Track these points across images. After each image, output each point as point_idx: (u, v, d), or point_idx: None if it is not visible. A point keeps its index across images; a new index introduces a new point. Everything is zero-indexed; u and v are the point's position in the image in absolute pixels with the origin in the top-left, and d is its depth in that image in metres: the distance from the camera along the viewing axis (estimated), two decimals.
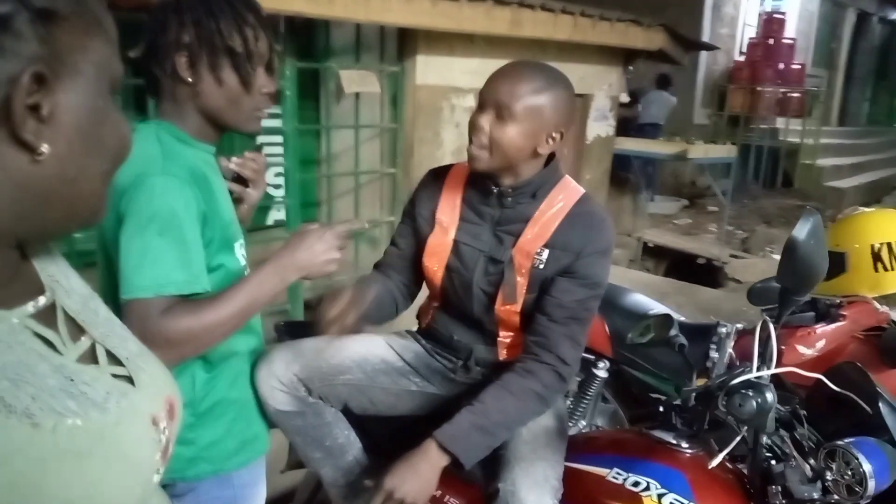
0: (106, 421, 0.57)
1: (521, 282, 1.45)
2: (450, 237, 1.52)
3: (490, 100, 1.37)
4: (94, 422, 0.55)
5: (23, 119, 0.51)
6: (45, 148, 0.53)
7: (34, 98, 0.51)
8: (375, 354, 1.61)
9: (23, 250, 0.60)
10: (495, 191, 1.46)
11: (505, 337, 1.54)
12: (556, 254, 1.42)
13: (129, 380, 0.63)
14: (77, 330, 0.61)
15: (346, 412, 1.59)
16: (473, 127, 1.39)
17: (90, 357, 0.61)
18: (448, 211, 1.53)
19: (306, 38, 3.58)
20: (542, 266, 1.43)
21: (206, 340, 1.12)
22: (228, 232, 1.24)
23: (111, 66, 0.59)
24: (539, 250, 1.43)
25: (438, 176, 1.59)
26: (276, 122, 3.44)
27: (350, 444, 1.57)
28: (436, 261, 1.54)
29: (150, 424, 0.63)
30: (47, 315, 0.59)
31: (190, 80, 1.17)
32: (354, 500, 1.55)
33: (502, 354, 1.55)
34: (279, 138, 3.50)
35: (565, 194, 1.47)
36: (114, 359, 0.63)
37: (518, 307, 1.47)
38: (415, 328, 1.74)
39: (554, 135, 1.40)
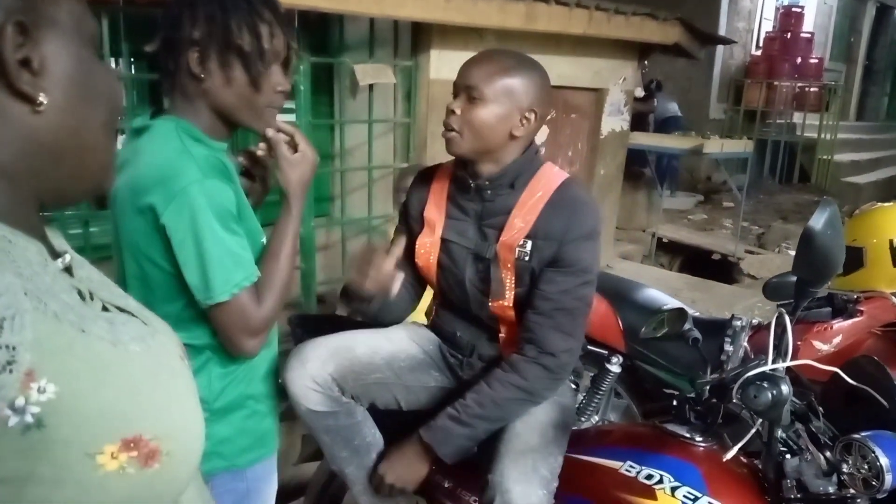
0: (153, 352, 0.61)
1: (508, 276, 1.44)
2: (437, 235, 1.52)
3: (462, 84, 1.40)
4: (146, 351, 0.60)
5: (17, 71, 0.53)
6: (42, 97, 0.55)
7: (23, 52, 0.54)
8: (403, 350, 1.61)
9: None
10: (472, 184, 1.45)
11: (506, 332, 1.53)
12: (538, 244, 1.40)
13: (146, 325, 0.66)
14: (88, 292, 0.64)
15: (372, 408, 1.59)
16: (447, 112, 1.41)
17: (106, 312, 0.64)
18: (435, 209, 1.53)
19: (320, 33, 3.59)
20: (527, 258, 1.41)
21: (286, 298, 1.24)
22: (255, 224, 1.27)
23: (86, 22, 0.61)
24: (522, 242, 1.41)
25: (427, 175, 1.61)
26: (290, 117, 3.45)
27: (376, 442, 1.58)
28: (425, 259, 1.54)
29: (180, 359, 0.67)
30: (69, 274, 0.62)
31: (201, 76, 1.17)
32: (378, 497, 1.56)
33: (506, 350, 1.54)
34: None
35: (545, 181, 1.45)
36: (125, 312, 0.65)
37: (509, 302, 1.46)
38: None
39: (528, 115, 1.39)
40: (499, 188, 1.45)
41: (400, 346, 1.61)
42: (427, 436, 1.43)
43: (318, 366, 1.44)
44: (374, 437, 1.57)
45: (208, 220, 1.11)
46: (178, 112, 1.21)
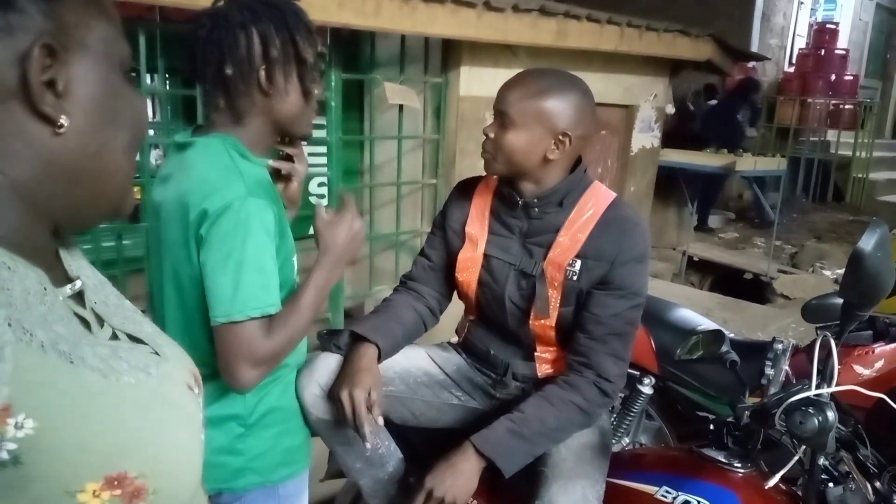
0: (152, 382, 0.59)
1: (554, 295, 1.42)
2: (479, 251, 1.50)
3: (496, 109, 1.41)
4: (143, 382, 0.58)
5: (40, 92, 0.53)
6: (64, 120, 0.55)
7: (49, 73, 0.53)
8: (418, 367, 1.60)
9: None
10: (520, 202, 1.44)
11: (542, 352, 1.51)
12: (589, 264, 1.39)
13: (156, 354, 0.65)
14: (98, 319, 0.63)
15: (387, 422, 1.58)
16: (484, 136, 1.43)
17: (115, 340, 0.63)
18: (477, 224, 1.52)
19: (352, 49, 3.62)
20: (575, 278, 1.40)
21: (294, 345, 1.20)
22: (290, 242, 1.27)
23: (117, 46, 0.60)
24: (571, 261, 1.40)
25: (468, 188, 1.59)
26: (321, 133, 3.47)
27: (390, 455, 1.56)
28: (467, 275, 1.53)
29: (186, 388, 0.65)
30: (79, 300, 0.61)
31: (269, 91, 1.20)
32: None
33: (541, 370, 1.52)
34: (323, 149, 3.54)
35: (595, 201, 1.43)
36: (136, 340, 0.65)
37: (552, 321, 1.44)
38: (453, 339, 1.72)
39: (561, 138, 1.37)
40: (546, 206, 1.43)
41: (416, 363, 1.60)
42: (486, 448, 1.34)
43: (327, 375, 1.42)
44: (387, 448, 1.55)
45: (254, 234, 1.12)
46: (226, 128, 1.22)
